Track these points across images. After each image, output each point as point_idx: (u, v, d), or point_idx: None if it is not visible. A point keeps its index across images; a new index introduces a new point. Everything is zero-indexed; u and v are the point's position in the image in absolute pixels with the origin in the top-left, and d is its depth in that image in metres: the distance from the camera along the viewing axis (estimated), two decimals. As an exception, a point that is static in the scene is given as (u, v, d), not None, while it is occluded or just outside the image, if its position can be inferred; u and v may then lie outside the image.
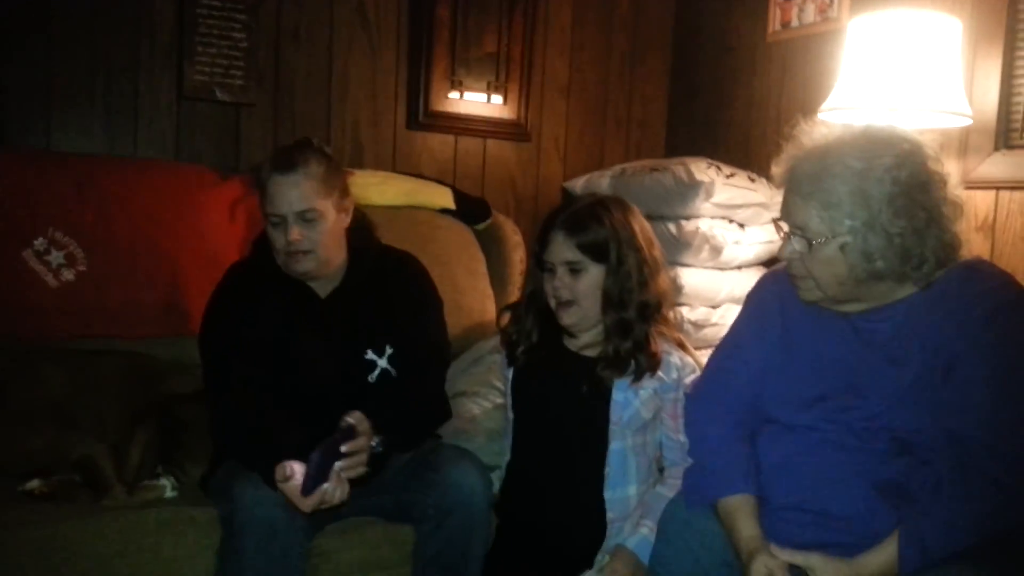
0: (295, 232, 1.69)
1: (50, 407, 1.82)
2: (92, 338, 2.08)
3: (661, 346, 1.69)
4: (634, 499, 1.67)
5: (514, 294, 2.71)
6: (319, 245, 1.72)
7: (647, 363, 1.66)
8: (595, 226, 1.66)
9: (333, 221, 1.74)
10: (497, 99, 3.01)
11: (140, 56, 2.50)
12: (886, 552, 1.26)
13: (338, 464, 1.52)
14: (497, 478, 1.83)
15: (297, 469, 1.50)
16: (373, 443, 1.60)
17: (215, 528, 1.59)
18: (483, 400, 2.02)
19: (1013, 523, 1.28)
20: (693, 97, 3.31)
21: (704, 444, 1.53)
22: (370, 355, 1.79)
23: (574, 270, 1.66)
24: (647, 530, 1.59)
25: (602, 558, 1.63)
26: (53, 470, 1.71)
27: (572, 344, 1.73)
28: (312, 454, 1.47)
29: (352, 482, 1.75)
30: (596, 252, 1.65)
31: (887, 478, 1.34)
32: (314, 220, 1.70)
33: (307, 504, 1.49)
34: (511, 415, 1.78)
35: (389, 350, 1.80)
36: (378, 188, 2.59)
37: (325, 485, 1.49)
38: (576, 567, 1.62)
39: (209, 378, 1.76)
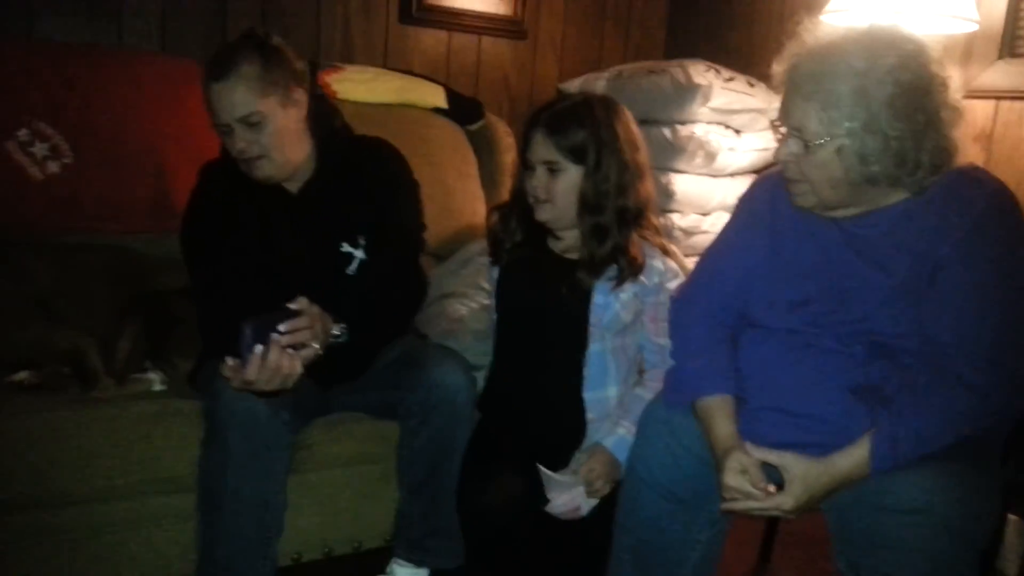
0: (241, 140, 1.64)
1: (37, 300, 1.81)
2: (78, 232, 2.06)
3: (644, 251, 1.69)
4: (613, 400, 1.69)
5: (505, 196, 2.68)
6: (271, 148, 1.66)
7: (628, 268, 1.66)
8: (575, 127, 1.63)
9: (281, 119, 1.66)
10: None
11: (125, -60, 2.41)
12: (858, 451, 1.29)
13: (281, 339, 1.46)
14: (483, 378, 1.85)
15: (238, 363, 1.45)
16: (336, 331, 1.58)
17: (201, 420, 1.60)
18: (470, 301, 2.02)
19: (985, 425, 1.30)
20: (695, -5, 3.21)
21: (686, 346, 1.54)
22: (346, 248, 1.76)
23: (552, 170, 1.65)
24: (624, 430, 1.62)
25: (579, 456, 1.67)
26: (41, 363, 1.72)
27: (556, 246, 1.73)
28: (243, 327, 1.42)
29: (340, 380, 1.79)
30: (574, 153, 1.63)
31: (865, 381, 1.35)
32: (259, 123, 1.63)
33: (250, 373, 1.43)
34: (495, 315, 1.79)
35: (363, 241, 1.77)
36: (368, 85, 2.54)
37: (259, 347, 1.43)
38: (555, 465, 1.66)
39: (193, 279, 1.75)
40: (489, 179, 2.65)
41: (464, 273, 2.12)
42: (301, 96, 1.71)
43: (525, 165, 1.70)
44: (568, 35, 3.15)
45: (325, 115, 1.85)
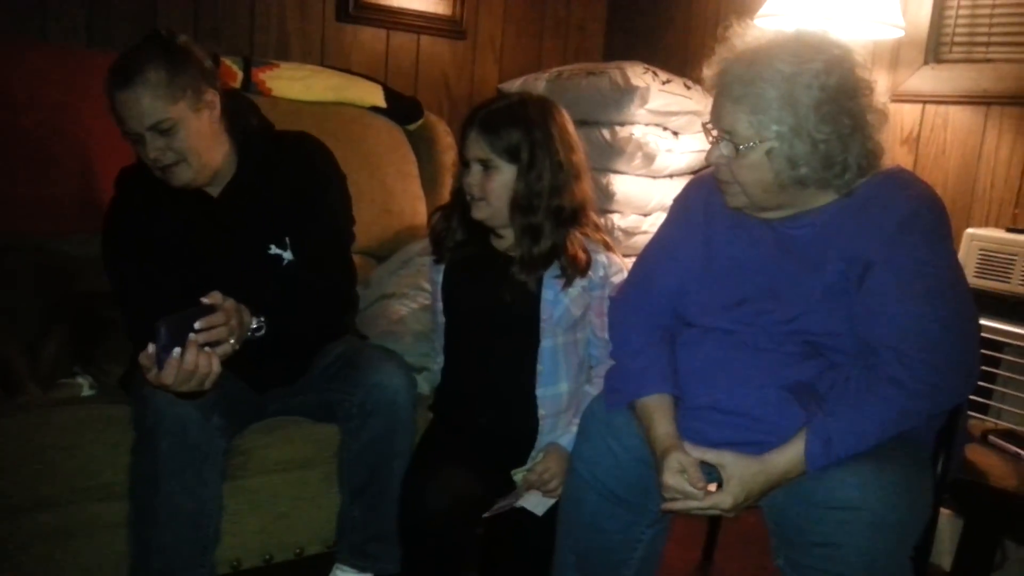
0: (154, 150, 1.58)
1: (-43, 304, 1.75)
2: (2, 233, 1.97)
3: (587, 248, 1.70)
4: (566, 396, 1.70)
5: (445, 196, 2.68)
6: (186, 153, 1.60)
7: (570, 266, 1.67)
8: (509, 126, 1.64)
9: (194, 123, 1.60)
10: (432, -8, 2.90)
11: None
12: (793, 450, 1.31)
13: (197, 337, 1.43)
14: (425, 379, 1.84)
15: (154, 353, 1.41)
16: (254, 324, 1.54)
17: (131, 427, 1.55)
18: (411, 302, 2.01)
19: (916, 422, 1.34)
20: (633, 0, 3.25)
21: (625, 346, 1.55)
22: (274, 250, 1.73)
23: (487, 167, 1.66)
24: (576, 427, 1.62)
25: (535, 456, 1.67)
26: (-39, 369, 1.66)
27: (499, 244, 1.74)
28: (158, 327, 1.39)
29: (276, 383, 1.76)
30: (508, 152, 1.64)
31: (799, 380, 1.38)
32: (171, 129, 1.57)
33: (166, 375, 1.39)
34: (442, 317, 1.78)
35: (291, 240, 1.74)
36: (304, 82, 2.50)
37: (176, 350, 1.39)
38: (509, 464, 1.66)
39: (116, 287, 1.69)
40: (429, 179, 2.63)
41: (404, 273, 2.10)
42: (213, 96, 1.65)
43: (462, 163, 1.71)
44: (507, 36, 3.16)
45: (242, 112, 1.79)
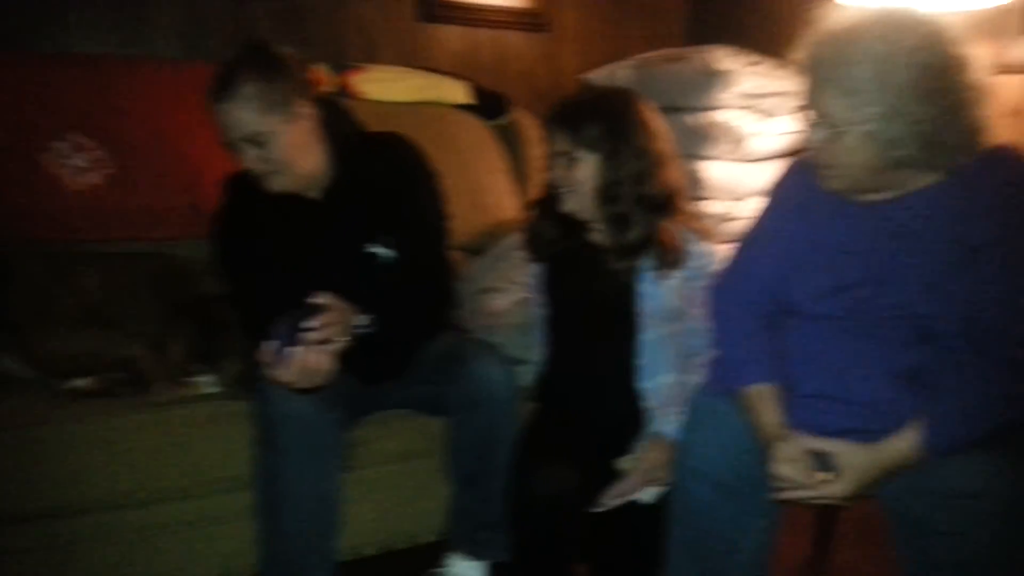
0: (249, 158, 1.66)
1: (89, 310, 1.86)
2: (120, 240, 2.10)
3: (683, 237, 1.70)
4: (670, 387, 1.71)
5: (534, 190, 2.71)
6: (279, 162, 1.67)
7: (664, 255, 1.68)
8: (588, 118, 1.66)
9: (286, 135, 1.66)
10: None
11: (145, -50, 2.44)
12: (908, 438, 1.29)
13: (311, 336, 1.50)
14: (525, 371, 1.87)
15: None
16: (363, 322, 1.60)
17: (255, 421, 1.63)
18: (508, 295, 2.04)
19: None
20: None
21: (726, 335, 1.55)
22: (373, 249, 1.79)
23: (570, 160, 1.68)
24: (679, 416, 1.63)
25: (641, 445, 1.68)
26: (96, 369, 1.77)
27: (595, 237, 1.75)
28: (274, 328, 1.48)
29: (385, 378, 1.82)
30: (588, 143, 1.66)
31: (909, 365, 1.36)
32: (266, 142, 1.64)
33: (285, 373, 1.49)
34: (542, 311, 1.81)
35: (389, 239, 1.79)
36: (392, 84, 2.56)
37: (293, 349, 1.47)
38: (613, 454, 1.67)
39: (231, 293, 1.79)
40: (518, 173, 2.67)
41: (501, 267, 2.14)
42: (306, 109, 1.70)
43: (549, 160, 1.74)
44: (589, 26, 3.16)
45: (336, 117, 1.86)
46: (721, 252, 1.78)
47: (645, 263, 1.69)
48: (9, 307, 1.76)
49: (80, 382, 1.71)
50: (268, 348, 1.48)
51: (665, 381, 1.70)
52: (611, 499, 1.65)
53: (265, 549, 1.63)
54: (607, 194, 1.67)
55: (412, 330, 1.81)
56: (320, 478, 1.62)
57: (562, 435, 1.72)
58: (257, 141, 1.63)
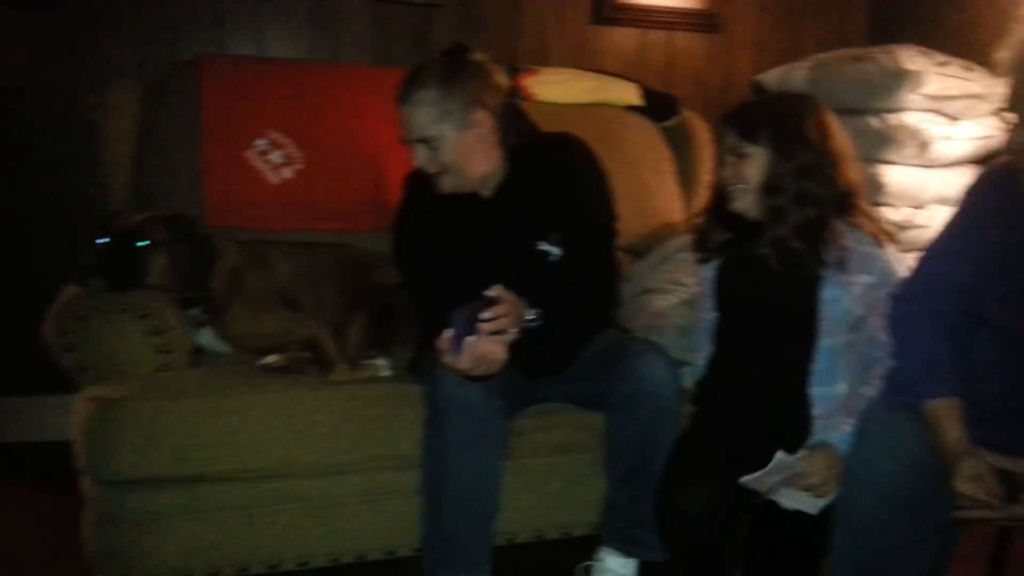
0: (420, 157, 1.76)
1: (278, 292, 2.02)
2: (307, 231, 2.26)
3: (857, 240, 1.65)
4: (841, 397, 1.65)
5: (701, 193, 2.68)
6: (448, 165, 1.76)
7: (839, 258, 1.63)
8: (757, 114, 1.67)
9: (457, 142, 1.75)
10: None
11: (340, -39, 2.61)
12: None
13: (486, 327, 1.55)
14: (687, 373, 1.86)
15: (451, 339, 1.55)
16: (530, 316, 1.64)
17: (425, 405, 1.71)
18: (671, 296, 2.04)
19: None
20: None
21: (908, 347, 1.49)
22: (543, 246, 1.83)
23: (738, 156, 1.67)
24: (851, 428, 1.57)
25: (804, 453, 1.64)
26: (284, 349, 1.92)
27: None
28: (453, 317, 1.53)
29: (546, 371, 1.86)
30: (756, 137, 1.65)
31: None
32: (435, 145, 1.74)
33: (461, 361, 1.54)
34: (711, 314, 1.79)
35: (558, 237, 1.83)
36: (564, 85, 2.61)
37: (469, 338, 1.53)
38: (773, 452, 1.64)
39: (406, 280, 1.89)
40: (686, 175, 2.65)
41: (664, 268, 2.14)
42: (482, 117, 1.78)
43: (719, 162, 1.73)
44: (764, 25, 3.09)
45: (514, 120, 1.92)
46: (904, 259, 1.71)
47: (829, 268, 1.64)
48: (211, 287, 1.94)
49: (270, 359, 1.86)
50: (445, 337, 1.54)
51: (838, 390, 1.64)
52: (752, 480, 1.60)
53: (428, 527, 1.71)
54: (769, 187, 1.64)
55: (576, 326, 1.84)
56: (483, 463, 1.68)
57: (719, 440, 1.70)
58: (429, 144, 1.74)
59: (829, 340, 1.64)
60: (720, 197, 1.76)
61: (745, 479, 1.56)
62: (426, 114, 1.72)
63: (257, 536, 1.74)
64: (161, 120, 2.20)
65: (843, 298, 1.63)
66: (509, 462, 1.76)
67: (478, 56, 1.79)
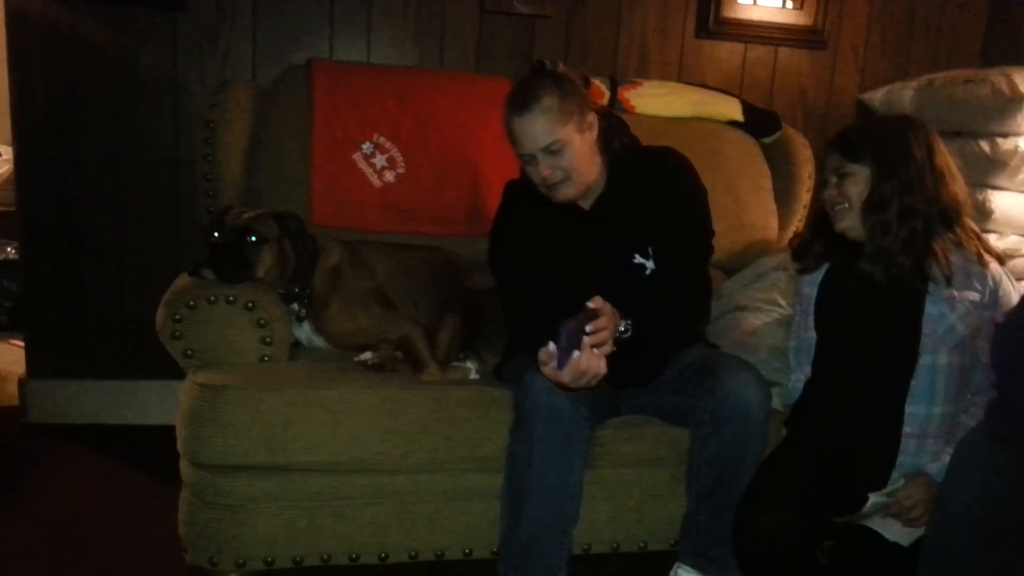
0: (545, 168, 1.76)
1: (375, 291, 2.08)
2: (405, 233, 2.32)
3: (959, 257, 1.61)
4: (936, 420, 1.61)
5: (799, 211, 2.65)
6: (572, 171, 1.78)
7: (927, 270, 1.61)
8: (860, 135, 1.69)
9: (579, 143, 1.77)
10: (793, 4, 2.87)
11: (449, -28, 2.68)
12: None
13: (589, 340, 1.55)
14: (777, 394, 1.84)
15: (553, 352, 1.56)
16: (621, 327, 1.64)
17: (511, 409, 1.76)
18: (765, 315, 2.02)
19: None
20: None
21: (1013, 378, 1.43)
22: (638, 259, 1.84)
23: (841, 176, 1.68)
24: (948, 457, 1.54)
25: (896, 479, 1.60)
26: (378, 347, 1.98)
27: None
28: (560, 331, 1.53)
29: (632, 382, 1.87)
30: (860, 157, 1.65)
31: None
32: (560, 150, 1.75)
33: (565, 375, 1.55)
34: (811, 332, 1.77)
35: (654, 251, 1.84)
36: (665, 99, 2.61)
37: (576, 353, 1.54)
38: (863, 484, 1.61)
39: (499, 284, 1.91)
40: (784, 192, 2.61)
41: (758, 286, 2.11)
42: (593, 119, 1.82)
43: (824, 184, 1.74)
44: (871, 43, 3.01)
45: (612, 130, 1.94)
46: (1013, 284, 1.65)
47: (935, 283, 1.61)
48: (312, 283, 2.02)
49: (365, 356, 1.92)
50: (547, 350, 1.56)
51: (934, 411, 1.61)
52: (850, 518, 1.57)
53: (507, 530, 1.74)
54: (872, 202, 1.64)
55: (665, 339, 1.84)
56: (566, 470, 1.70)
57: (807, 465, 1.67)
58: (552, 150, 1.75)
59: (931, 357, 1.61)
60: (823, 217, 1.75)
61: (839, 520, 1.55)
62: (552, 119, 1.74)
63: (342, 527, 1.81)
64: (273, 121, 2.30)
65: (948, 314, 1.60)
66: (590, 471, 1.78)
67: (563, 66, 1.82)
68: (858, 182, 1.66)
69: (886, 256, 1.63)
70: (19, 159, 2.59)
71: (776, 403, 1.84)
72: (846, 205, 1.68)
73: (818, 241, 1.78)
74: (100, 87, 2.56)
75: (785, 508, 1.60)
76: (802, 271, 1.79)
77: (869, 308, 1.67)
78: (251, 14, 2.59)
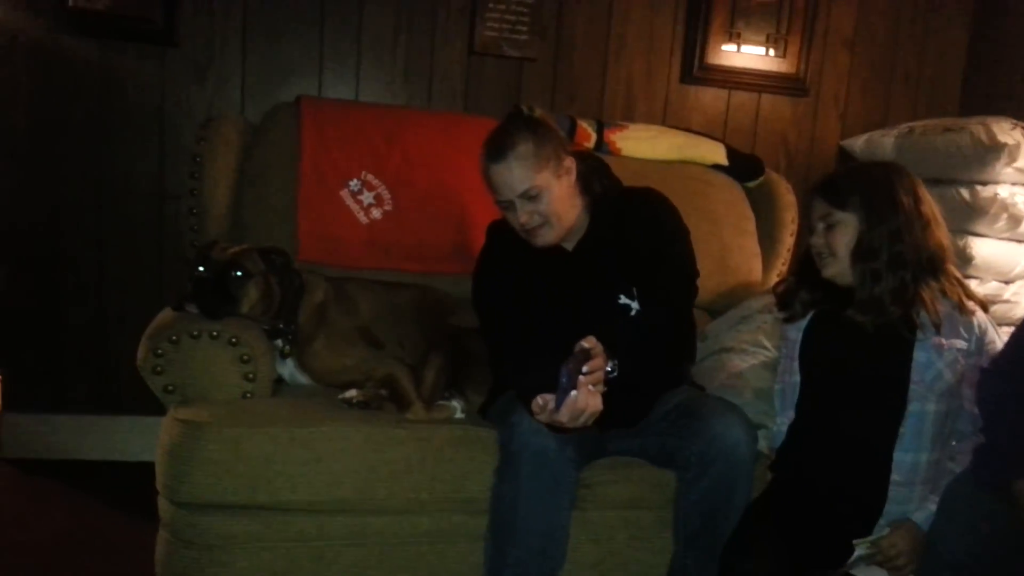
0: (524, 214, 1.77)
1: (360, 328, 2.07)
2: (389, 270, 2.31)
3: (946, 304, 1.62)
4: (923, 467, 1.62)
5: (783, 254, 2.67)
6: (551, 215, 1.78)
7: (915, 318, 1.62)
8: (847, 183, 1.71)
9: (556, 188, 1.78)
10: (775, 52, 2.92)
11: (437, 17, 2.71)
12: None
13: (586, 379, 1.55)
14: (763, 437, 1.84)
15: (549, 399, 1.55)
16: (608, 367, 1.62)
17: (497, 449, 1.74)
18: (751, 358, 2.02)
19: None
20: (998, 49, 3.00)
21: (1000, 424, 1.45)
22: (623, 300, 1.84)
23: (829, 224, 1.70)
24: (935, 506, 1.54)
25: (881, 526, 1.60)
26: (362, 385, 1.96)
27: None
28: (559, 373, 1.52)
29: (618, 424, 1.86)
30: (847, 205, 1.67)
31: None
32: (538, 196, 1.76)
33: (563, 415, 1.53)
34: (795, 377, 1.77)
35: (638, 291, 1.84)
36: (650, 142, 2.64)
37: (573, 392, 1.52)
38: (848, 531, 1.60)
39: (483, 325, 1.90)
40: (767, 236, 2.64)
41: (744, 329, 2.12)
42: (571, 163, 1.83)
43: (809, 230, 1.76)
44: (852, 91, 3.08)
45: (593, 171, 1.95)
46: (996, 331, 1.67)
47: (923, 331, 1.62)
48: (297, 320, 2.00)
49: (350, 393, 1.90)
50: (541, 399, 1.55)
51: (921, 458, 1.61)
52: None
53: (491, 573, 1.70)
54: (861, 250, 1.66)
55: (651, 380, 1.84)
56: (553, 512, 1.68)
57: (792, 509, 1.67)
58: (530, 196, 1.76)
59: (919, 405, 1.62)
60: (808, 263, 1.77)
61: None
62: (528, 166, 1.75)
63: (323, 570, 1.77)
64: (261, 156, 2.30)
65: (936, 362, 1.61)
66: (576, 513, 1.76)
67: (539, 111, 1.84)
68: (846, 231, 1.68)
69: (877, 305, 1.64)
70: None
71: (762, 446, 1.83)
72: (833, 254, 1.69)
73: (804, 288, 1.79)
74: (86, 119, 2.55)
75: (770, 554, 1.58)
76: (788, 319, 1.80)
77: (857, 355, 1.68)
78: (241, 50, 2.61)
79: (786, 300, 1.81)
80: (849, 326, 1.68)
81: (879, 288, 1.64)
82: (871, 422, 1.66)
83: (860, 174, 1.76)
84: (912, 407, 1.62)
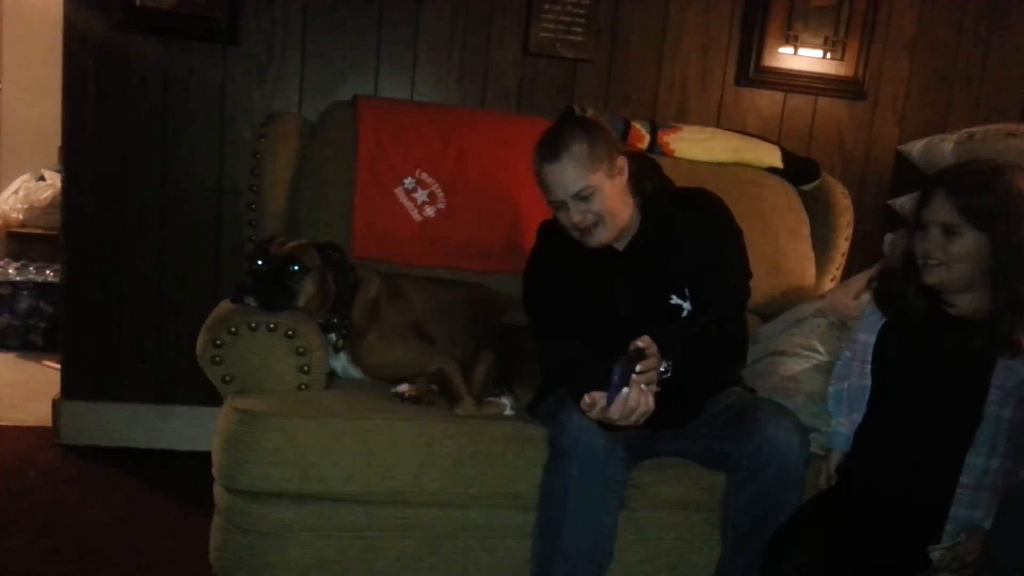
0: (577, 214, 1.77)
1: (413, 324, 2.09)
2: (443, 268, 2.34)
3: None
4: (993, 473, 1.57)
5: (837, 259, 2.64)
6: (603, 214, 1.78)
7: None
8: (982, 191, 1.57)
9: (609, 188, 1.78)
10: (832, 55, 2.89)
11: (493, 18, 2.73)
12: None
13: (639, 378, 1.55)
14: (815, 440, 1.82)
15: (598, 396, 1.56)
16: (662, 368, 1.62)
17: (546, 446, 1.74)
18: (804, 361, 2.00)
19: None
20: (1066, 54, 2.93)
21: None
22: (675, 300, 1.84)
23: (949, 232, 1.59)
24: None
25: (952, 531, 1.57)
26: (413, 380, 1.98)
27: (949, 310, 1.66)
28: (611, 370, 1.52)
29: (669, 425, 1.85)
30: (977, 218, 1.56)
31: None
32: (591, 196, 1.76)
33: (614, 412, 1.53)
34: (866, 380, 1.75)
35: (690, 292, 1.83)
36: (704, 144, 2.62)
37: (625, 390, 1.52)
38: (913, 536, 1.57)
39: (533, 324, 1.91)
40: (822, 240, 2.61)
41: (797, 332, 2.10)
42: (623, 163, 1.83)
43: (918, 224, 1.65)
44: (912, 95, 3.02)
45: (645, 172, 1.95)
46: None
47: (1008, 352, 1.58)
48: (351, 314, 2.03)
49: (402, 387, 1.92)
50: (592, 396, 1.55)
51: (992, 464, 1.57)
52: None
53: (538, 569, 1.72)
54: (1007, 273, 1.56)
55: (703, 381, 1.83)
56: (602, 510, 1.68)
57: (850, 513, 1.64)
58: (583, 196, 1.77)
59: (997, 409, 1.57)
60: (910, 264, 1.69)
61: None
62: (581, 166, 1.75)
63: (373, 560, 1.79)
64: (318, 154, 2.34)
65: (1020, 368, 1.56)
66: (624, 513, 1.76)
67: (591, 111, 1.84)
68: (968, 243, 1.58)
69: (1014, 339, 1.56)
70: (67, 184, 2.66)
71: (814, 448, 1.81)
72: (946, 263, 1.60)
73: (908, 290, 1.70)
74: (150, 116, 2.63)
75: (814, 552, 1.56)
76: (886, 315, 1.74)
77: (937, 359, 1.63)
78: (300, 50, 2.66)
79: (887, 301, 1.74)
80: (929, 330, 1.63)
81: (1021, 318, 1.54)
82: (946, 425, 1.62)
83: (994, 184, 1.58)
84: (989, 410, 1.58)
